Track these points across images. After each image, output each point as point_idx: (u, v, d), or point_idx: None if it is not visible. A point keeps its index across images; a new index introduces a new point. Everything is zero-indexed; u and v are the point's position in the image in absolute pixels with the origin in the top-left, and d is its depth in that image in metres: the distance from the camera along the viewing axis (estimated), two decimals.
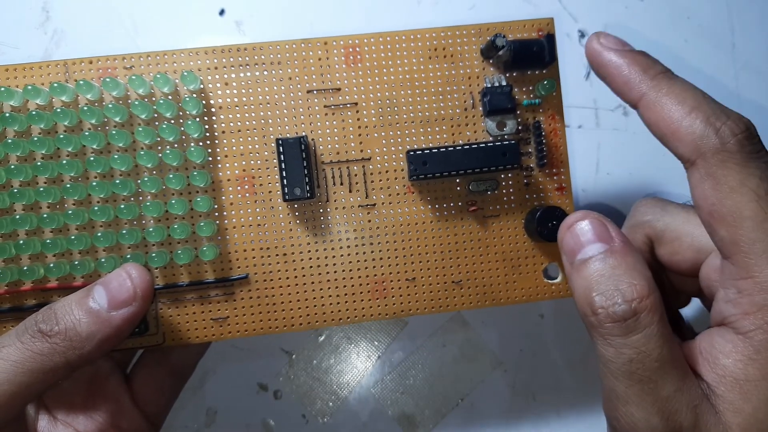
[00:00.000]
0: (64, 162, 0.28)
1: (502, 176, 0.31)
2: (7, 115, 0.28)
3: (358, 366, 0.40)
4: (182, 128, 0.29)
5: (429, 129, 0.31)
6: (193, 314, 0.30)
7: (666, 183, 0.42)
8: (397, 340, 0.40)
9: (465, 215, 0.31)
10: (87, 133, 0.28)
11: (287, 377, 0.40)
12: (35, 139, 0.28)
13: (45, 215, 0.28)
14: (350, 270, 0.31)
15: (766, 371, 0.22)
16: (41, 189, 0.28)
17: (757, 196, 0.23)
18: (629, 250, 0.25)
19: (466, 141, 0.31)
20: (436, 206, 0.31)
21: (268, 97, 0.30)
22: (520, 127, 0.31)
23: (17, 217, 0.28)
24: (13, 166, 0.28)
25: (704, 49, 0.43)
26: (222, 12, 0.40)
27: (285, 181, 0.29)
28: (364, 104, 0.31)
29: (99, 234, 0.29)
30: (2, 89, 0.28)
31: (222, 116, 0.30)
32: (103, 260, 0.29)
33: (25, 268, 0.28)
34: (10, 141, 0.28)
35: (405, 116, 0.31)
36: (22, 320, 0.26)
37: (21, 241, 0.28)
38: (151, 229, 0.28)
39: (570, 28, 0.42)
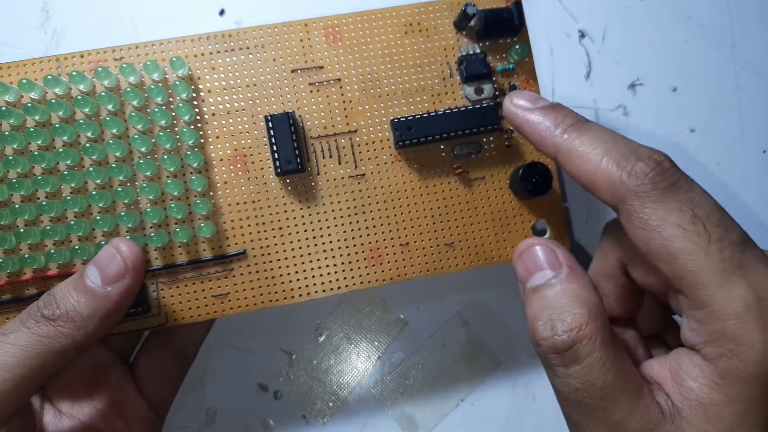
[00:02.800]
0: (60, 150, 0.29)
1: (484, 139, 0.32)
2: (3, 109, 0.29)
3: (358, 366, 0.40)
4: (173, 112, 0.30)
5: (411, 100, 0.32)
6: (194, 292, 0.30)
7: None
8: (397, 341, 0.40)
9: (452, 179, 0.32)
10: (81, 121, 0.29)
11: (287, 377, 0.40)
12: (31, 130, 0.29)
13: (44, 203, 0.29)
14: (345, 239, 0.31)
15: (730, 396, 0.22)
16: (39, 178, 0.29)
17: (682, 229, 0.22)
18: (574, 276, 0.25)
19: (447, 108, 0.32)
20: (423, 172, 0.32)
21: (254, 79, 0.31)
22: (497, 92, 0.33)
23: (17, 206, 0.29)
24: (10, 158, 0.29)
25: (704, 49, 0.43)
26: (222, 12, 0.40)
27: (276, 155, 0.30)
28: (346, 80, 0.32)
29: (98, 217, 0.29)
30: None
31: (211, 99, 0.31)
32: (103, 244, 0.29)
33: (26, 256, 0.29)
34: (6, 133, 0.29)
35: (387, 89, 0.32)
36: (22, 310, 0.26)
37: (21, 230, 0.29)
38: (148, 209, 0.29)
39: (570, 28, 0.42)
